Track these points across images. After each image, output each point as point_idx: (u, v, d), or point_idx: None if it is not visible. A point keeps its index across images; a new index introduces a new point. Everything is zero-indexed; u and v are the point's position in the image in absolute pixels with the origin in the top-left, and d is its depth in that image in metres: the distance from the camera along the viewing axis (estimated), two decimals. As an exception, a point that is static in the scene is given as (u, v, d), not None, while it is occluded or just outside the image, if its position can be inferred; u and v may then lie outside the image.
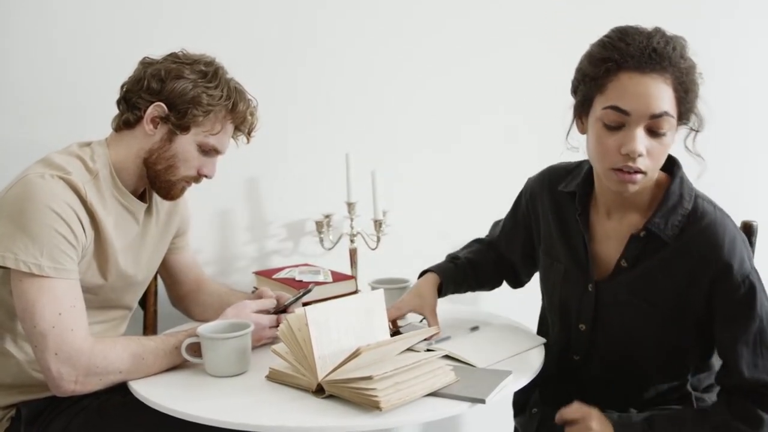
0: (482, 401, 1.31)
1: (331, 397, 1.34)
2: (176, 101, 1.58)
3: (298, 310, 1.43)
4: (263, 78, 2.13)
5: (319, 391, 1.36)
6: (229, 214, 2.18)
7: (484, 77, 2.27)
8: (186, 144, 1.61)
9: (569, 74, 2.32)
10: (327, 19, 2.17)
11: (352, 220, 2.12)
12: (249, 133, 1.72)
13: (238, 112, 1.65)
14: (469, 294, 2.31)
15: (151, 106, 1.58)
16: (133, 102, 1.60)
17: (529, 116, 2.29)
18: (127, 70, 1.65)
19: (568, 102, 2.32)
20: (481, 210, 2.29)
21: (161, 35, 1.95)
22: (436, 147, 2.26)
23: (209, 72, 1.61)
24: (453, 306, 1.99)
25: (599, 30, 1.46)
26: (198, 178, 1.67)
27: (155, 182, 1.64)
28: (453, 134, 2.27)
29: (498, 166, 2.29)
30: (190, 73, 1.59)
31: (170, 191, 1.66)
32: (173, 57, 1.62)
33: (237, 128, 1.69)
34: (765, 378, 1.39)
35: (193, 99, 1.58)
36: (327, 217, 2.15)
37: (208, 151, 1.64)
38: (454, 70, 2.25)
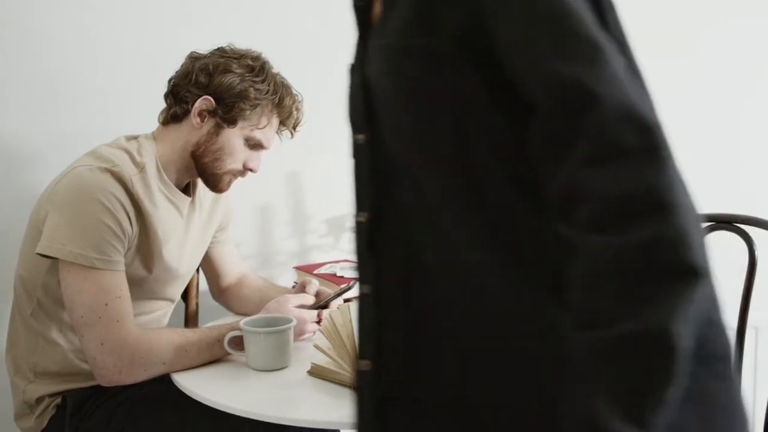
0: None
1: (373, 393, 1.34)
2: (224, 95, 1.59)
3: (342, 306, 1.43)
4: (304, 72, 2.13)
5: (361, 387, 1.35)
6: (270, 208, 2.18)
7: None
8: (232, 137, 1.62)
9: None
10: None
11: (393, 216, 2.11)
12: (294, 128, 1.72)
13: (284, 107, 1.65)
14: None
15: (199, 100, 1.59)
16: (180, 96, 1.62)
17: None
18: (173, 65, 1.66)
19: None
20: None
21: (197, 30, 1.95)
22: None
23: (256, 66, 1.62)
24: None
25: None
26: (244, 172, 1.68)
27: (203, 175, 1.65)
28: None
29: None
30: (238, 67, 1.60)
31: (218, 184, 1.67)
32: (221, 51, 1.63)
33: (282, 123, 1.69)
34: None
35: (241, 93, 1.59)
36: (368, 213, 2.15)
37: (254, 146, 1.65)
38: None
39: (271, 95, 1.62)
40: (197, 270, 1.91)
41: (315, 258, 2.20)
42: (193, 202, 1.72)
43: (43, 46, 1.98)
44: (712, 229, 1.90)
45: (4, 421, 1.77)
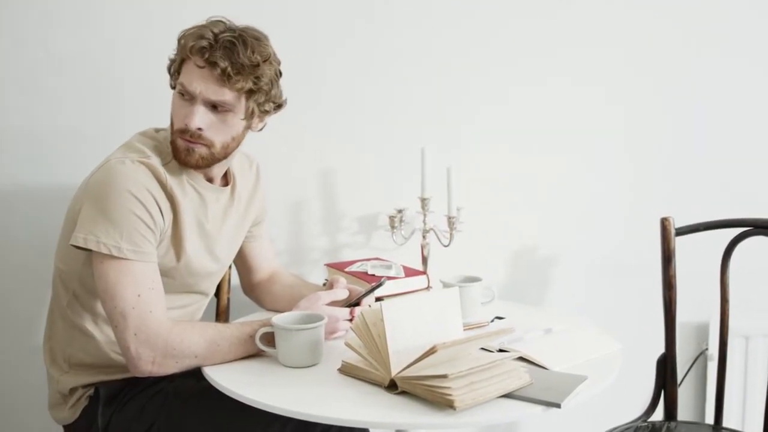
0: (557, 405, 1.29)
1: (403, 393, 1.34)
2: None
3: (374, 304, 1.43)
4: (340, 69, 2.14)
5: (391, 386, 1.35)
6: (302, 205, 2.19)
7: (567, 75, 2.22)
8: (174, 95, 1.59)
9: (656, 76, 2.27)
10: (407, 12, 2.16)
11: (425, 215, 2.10)
12: (233, 81, 1.52)
13: (188, 44, 1.53)
14: (540, 295, 2.29)
15: None
16: None
17: (611, 116, 2.25)
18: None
19: (655, 102, 2.27)
20: (556, 210, 2.26)
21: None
22: (513, 145, 2.23)
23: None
24: (525, 307, 1.96)
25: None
26: (186, 131, 1.55)
27: (170, 145, 1.61)
28: (531, 133, 2.24)
29: (575, 166, 2.25)
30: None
31: (176, 151, 1.58)
32: None
33: (191, 54, 1.53)
34: None
35: (176, 49, 1.59)
36: (400, 212, 2.15)
37: (185, 96, 1.55)
38: (535, 67, 2.22)
39: (183, 39, 1.56)
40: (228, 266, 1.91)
41: (346, 256, 2.20)
42: (233, 196, 1.73)
43: (88, 41, 2.01)
44: (748, 234, 1.87)
45: (41, 411, 1.80)
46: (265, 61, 1.55)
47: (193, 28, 1.56)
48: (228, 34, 1.53)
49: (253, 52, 1.53)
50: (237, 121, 1.58)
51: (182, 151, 1.57)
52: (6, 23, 2.00)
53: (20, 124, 2.03)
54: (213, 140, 1.57)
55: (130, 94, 2.04)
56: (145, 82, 2.02)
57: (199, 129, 1.54)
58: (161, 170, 1.55)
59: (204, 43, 1.51)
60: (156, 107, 1.98)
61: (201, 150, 1.57)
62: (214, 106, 1.55)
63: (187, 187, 1.62)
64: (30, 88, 2.02)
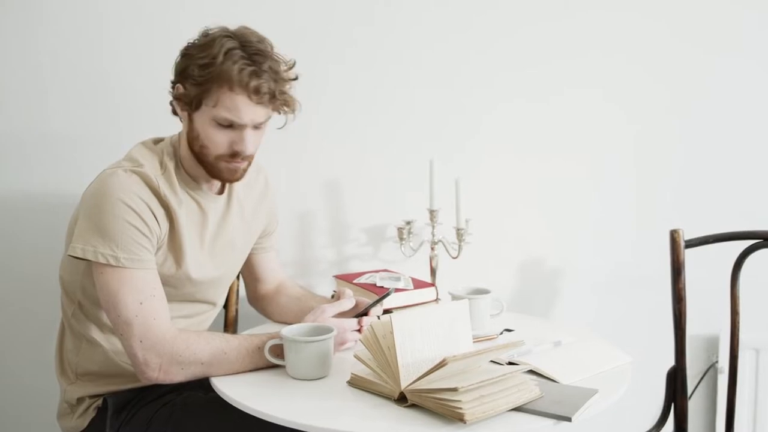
0: (568, 419, 1.28)
1: (413, 406, 1.33)
2: (181, 79, 1.56)
3: (383, 317, 1.42)
4: (348, 79, 2.14)
5: (401, 399, 1.35)
6: (310, 216, 2.19)
7: (575, 85, 2.22)
8: (202, 122, 1.55)
9: (666, 87, 2.26)
10: (414, 23, 2.17)
11: (433, 227, 2.10)
12: (258, 93, 1.51)
13: (229, 77, 1.49)
14: (549, 307, 2.28)
15: (175, 89, 1.58)
16: (173, 89, 1.60)
17: (620, 127, 2.24)
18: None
19: (666, 113, 2.26)
20: (565, 222, 2.26)
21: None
22: (522, 157, 2.23)
23: (204, 41, 1.53)
24: (534, 319, 1.96)
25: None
26: (236, 155, 1.56)
27: (204, 167, 1.61)
28: (540, 144, 2.24)
29: (585, 178, 2.25)
30: (191, 47, 1.55)
31: (218, 173, 1.60)
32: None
33: (245, 92, 1.51)
34: None
35: (186, 72, 1.53)
36: (408, 223, 2.14)
37: (230, 126, 1.54)
38: (544, 77, 2.21)
39: (210, 67, 1.49)
40: (237, 276, 1.91)
41: (355, 267, 2.20)
42: (229, 202, 1.72)
43: (94, 48, 2.02)
44: (758, 246, 1.86)
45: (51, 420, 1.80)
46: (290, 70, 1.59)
47: (222, 48, 1.50)
48: (258, 56, 1.51)
49: (285, 68, 1.57)
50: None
51: (228, 172, 1.60)
52: (6, 29, 2.00)
53: (24, 130, 2.04)
54: (254, 153, 1.62)
55: (134, 101, 2.04)
56: (151, 89, 2.02)
57: None
58: (154, 179, 1.54)
59: (247, 70, 1.49)
60: (161, 114, 1.99)
61: (244, 165, 1.61)
62: (256, 125, 1.57)
63: (183, 196, 1.61)
64: (33, 95, 2.03)
